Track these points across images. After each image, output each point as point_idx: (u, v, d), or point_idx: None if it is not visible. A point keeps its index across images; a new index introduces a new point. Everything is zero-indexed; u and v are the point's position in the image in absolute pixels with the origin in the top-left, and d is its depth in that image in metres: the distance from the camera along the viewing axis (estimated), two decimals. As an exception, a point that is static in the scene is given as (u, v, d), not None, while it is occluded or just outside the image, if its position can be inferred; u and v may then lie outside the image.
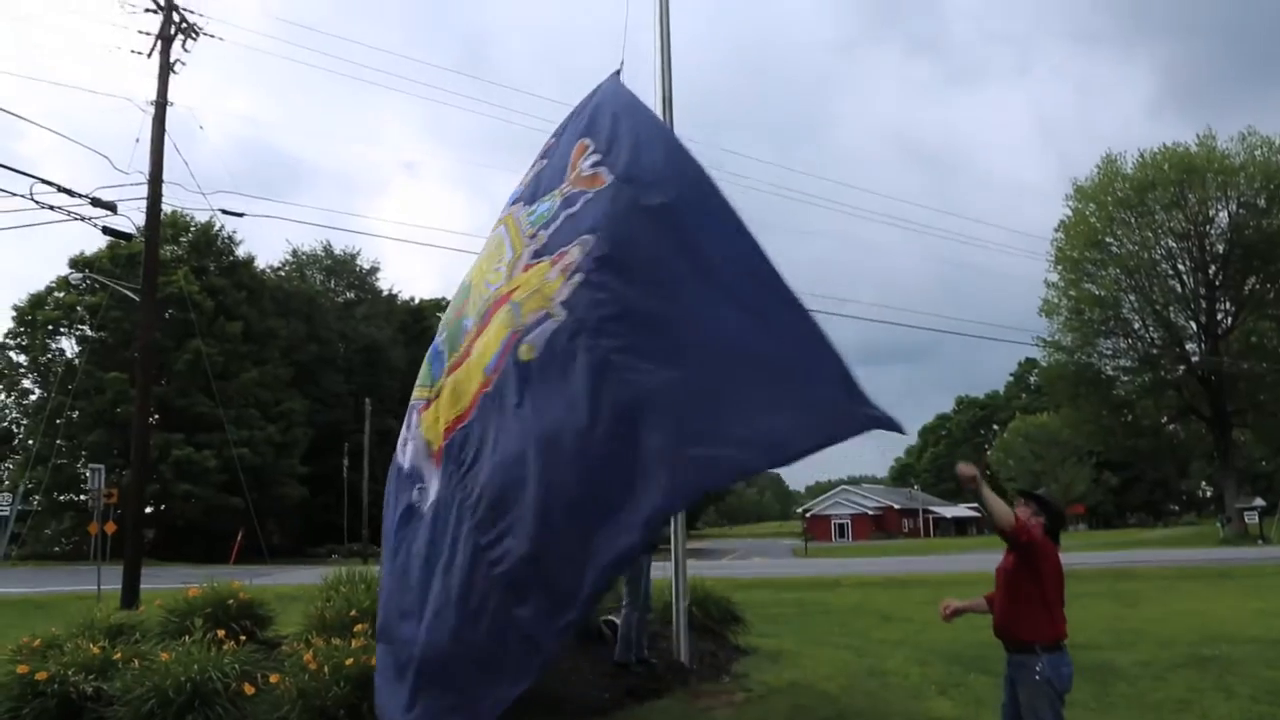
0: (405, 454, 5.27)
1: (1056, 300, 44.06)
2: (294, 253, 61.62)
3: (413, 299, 65.71)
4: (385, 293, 63.59)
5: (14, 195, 14.93)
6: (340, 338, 56.97)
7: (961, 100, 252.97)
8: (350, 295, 62.57)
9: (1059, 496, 57.49)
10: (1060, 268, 43.66)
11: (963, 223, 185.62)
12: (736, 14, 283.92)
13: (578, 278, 4.36)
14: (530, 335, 4.41)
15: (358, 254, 63.07)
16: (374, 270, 64.16)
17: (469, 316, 5.29)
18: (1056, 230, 44.09)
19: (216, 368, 38.74)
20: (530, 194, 5.63)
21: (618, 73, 6.07)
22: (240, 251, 50.60)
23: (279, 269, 59.60)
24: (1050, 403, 58.79)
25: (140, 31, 17.85)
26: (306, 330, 54.53)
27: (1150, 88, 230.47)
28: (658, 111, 6.29)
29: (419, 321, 60.54)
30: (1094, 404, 45.48)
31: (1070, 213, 43.46)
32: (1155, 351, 43.45)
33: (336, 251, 62.13)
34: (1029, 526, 4.34)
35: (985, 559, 29.26)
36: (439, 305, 57.94)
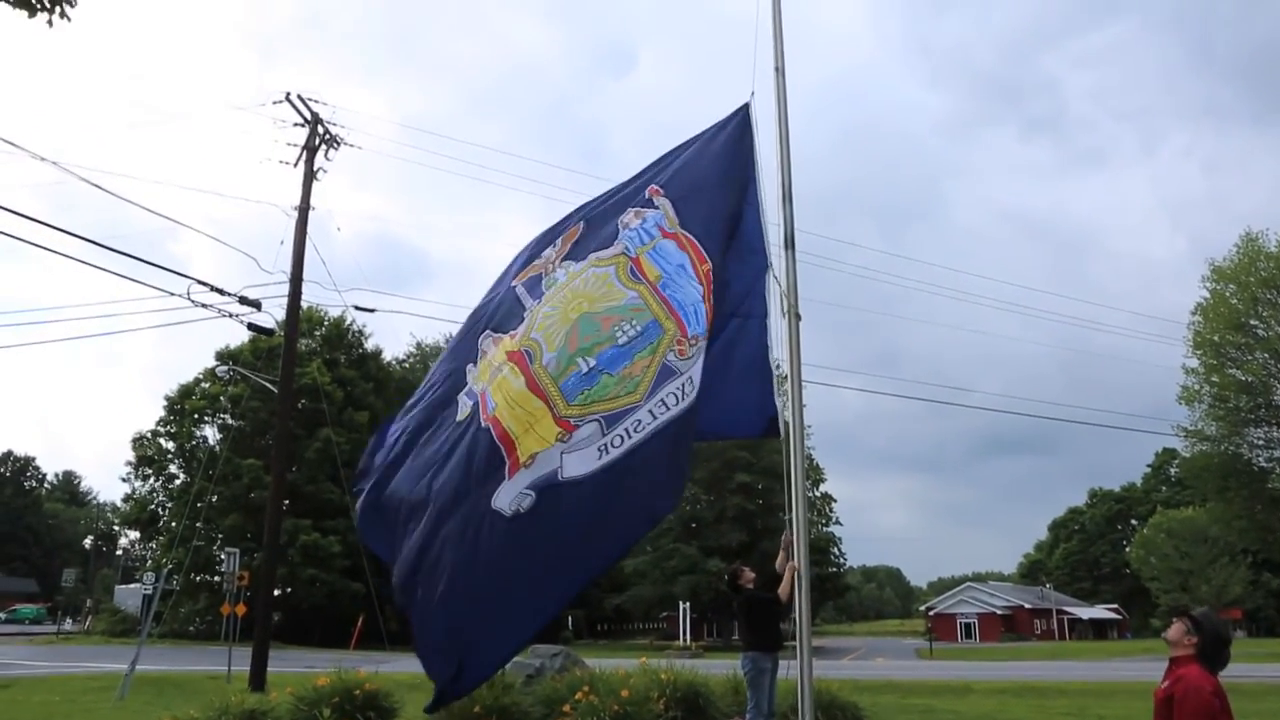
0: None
1: (1197, 387, 41.50)
2: (418, 345, 64.31)
3: (528, 389, 67.29)
4: (503, 383, 65.33)
5: (173, 295, 16.24)
6: (459, 427, 58.60)
7: (1081, 180, 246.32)
8: (469, 385, 64.61)
9: (1212, 600, 52.69)
10: (1200, 352, 41.25)
11: (1088, 307, 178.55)
12: (845, 96, 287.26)
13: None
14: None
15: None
16: (493, 361, 66.26)
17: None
18: (1193, 313, 41.83)
19: (344, 455, 40.27)
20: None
21: (746, 106, 6.18)
22: (369, 344, 53.15)
23: (403, 361, 62.19)
24: (1195, 496, 54.78)
25: (289, 144, 19.39)
26: (428, 419, 56.34)
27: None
28: (778, 207, 6.29)
29: (534, 410, 61.81)
30: (1245, 498, 42.14)
31: (1208, 294, 41.25)
32: (1316, 442, 40.23)
33: (457, 343, 64.60)
34: None
35: (1130, 668, 27.17)
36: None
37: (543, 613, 5.29)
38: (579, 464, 5.16)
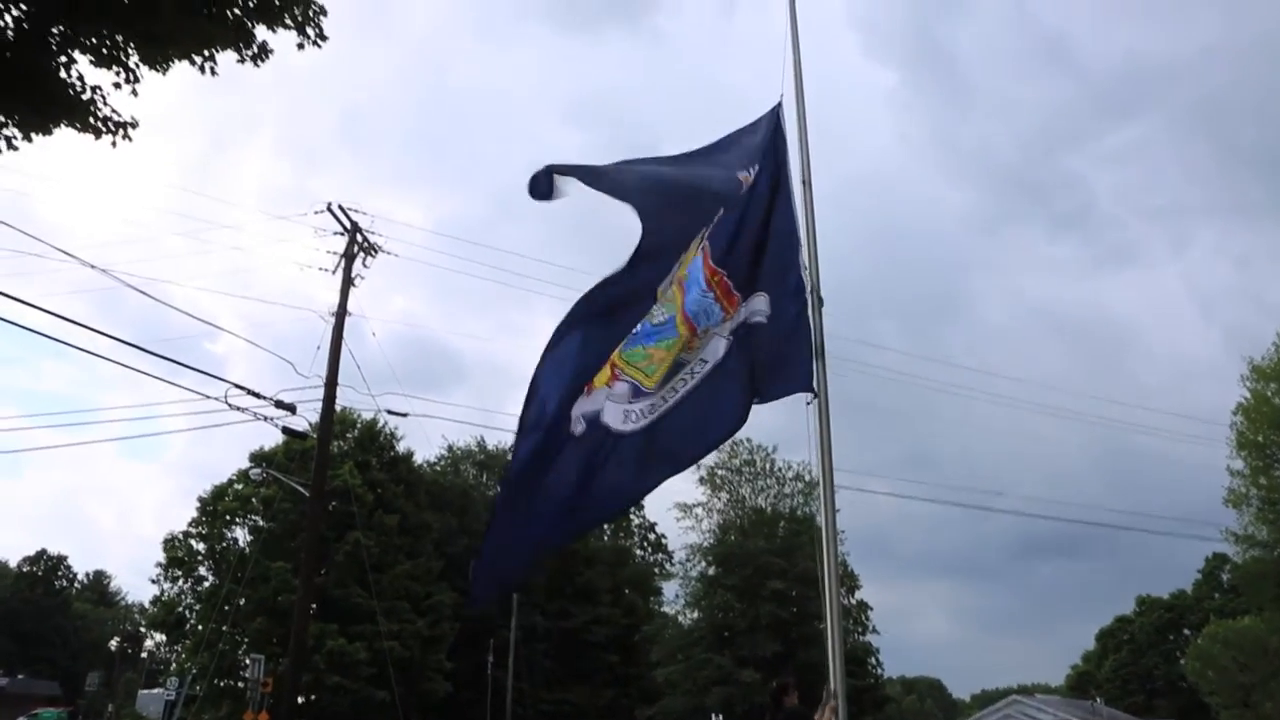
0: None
1: (1244, 489, 40.44)
2: (449, 448, 64.46)
3: (559, 492, 66.78)
4: (533, 485, 64.86)
5: (210, 398, 16.57)
6: (489, 530, 58.10)
7: (1112, 277, 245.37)
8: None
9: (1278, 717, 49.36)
10: (1244, 454, 40.35)
11: (1125, 409, 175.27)
12: (867, 199, 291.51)
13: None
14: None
15: (510, 448, 65.36)
16: (524, 464, 66.03)
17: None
18: (1235, 413, 41.10)
19: (373, 559, 40.07)
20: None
21: (779, 106, 6.25)
22: (400, 447, 53.32)
23: (435, 464, 62.27)
24: (1251, 604, 52.54)
25: (328, 251, 20.04)
26: (459, 523, 56.00)
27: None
28: (811, 313, 6.27)
29: (564, 513, 61.33)
30: (1305, 607, 40.46)
31: (1249, 394, 40.59)
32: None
33: (489, 446, 64.59)
34: None
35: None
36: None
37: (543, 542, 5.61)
38: (613, 416, 5.40)
